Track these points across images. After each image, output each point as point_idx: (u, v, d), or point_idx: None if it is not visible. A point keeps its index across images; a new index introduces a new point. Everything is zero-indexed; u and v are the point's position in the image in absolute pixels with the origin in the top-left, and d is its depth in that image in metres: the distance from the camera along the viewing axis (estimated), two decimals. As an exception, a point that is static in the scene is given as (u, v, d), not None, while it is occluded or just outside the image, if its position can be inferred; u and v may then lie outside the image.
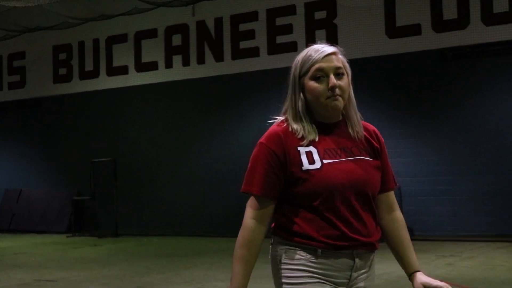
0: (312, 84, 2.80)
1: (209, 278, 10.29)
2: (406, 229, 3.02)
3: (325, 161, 2.76)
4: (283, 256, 2.82)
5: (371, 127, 3.00)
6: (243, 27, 18.41)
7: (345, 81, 2.82)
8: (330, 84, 2.76)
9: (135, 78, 20.13)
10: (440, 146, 15.68)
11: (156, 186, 19.33)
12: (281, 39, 17.71)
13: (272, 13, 17.95)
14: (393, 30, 16.29)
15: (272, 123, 2.91)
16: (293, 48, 17.24)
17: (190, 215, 18.64)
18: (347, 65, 2.87)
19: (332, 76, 2.77)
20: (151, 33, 19.85)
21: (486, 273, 10.14)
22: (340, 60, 2.83)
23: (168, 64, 19.59)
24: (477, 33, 15.30)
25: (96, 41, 20.91)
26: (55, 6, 18.31)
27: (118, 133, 20.14)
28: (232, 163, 17.69)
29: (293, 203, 2.79)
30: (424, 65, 15.98)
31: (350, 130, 2.88)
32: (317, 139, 2.80)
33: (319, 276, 2.76)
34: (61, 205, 20.42)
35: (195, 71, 19.09)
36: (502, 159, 15.05)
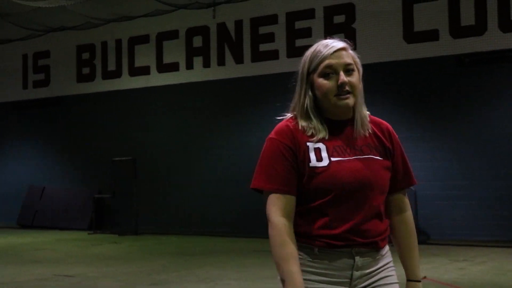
0: (321, 81, 2.72)
1: (223, 277, 10.52)
2: (414, 232, 2.93)
3: (333, 159, 2.69)
4: None
5: (385, 125, 2.91)
6: (263, 30, 18.64)
7: (356, 78, 2.73)
8: (340, 81, 2.68)
9: (156, 79, 20.43)
10: (456, 151, 15.78)
11: (175, 185, 19.61)
12: (300, 42, 17.88)
13: (292, 17, 18.16)
14: (411, 35, 16.43)
15: (281, 120, 2.85)
16: None
17: (207, 215, 18.89)
18: (358, 60, 2.78)
19: (341, 73, 2.69)
20: (173, 35, 20.14)
21: (497, 278, 10.26)
22: (350, 56, 2.75)
23: (189, 65, 19.87)
24: (494, 40, 15.39)
25: (118, 42, 21.24)
26: (78, 7, 18.66)
27: (139, 133, 20.45)
28: (250, 164, 17.79)
29: (298, 201, 2.72)
30: (441, 71, 16.09)
31: (360, 128, 2.79)
32: (327, 137, 2.73)
33: (316, 277, 2.70)
34: (82, 202, 20.79)
35: (215, 73, 19.35)
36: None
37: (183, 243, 16.46)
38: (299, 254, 2.69)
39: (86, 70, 21.94)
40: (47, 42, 22.26)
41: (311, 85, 2.77)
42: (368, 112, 2.85)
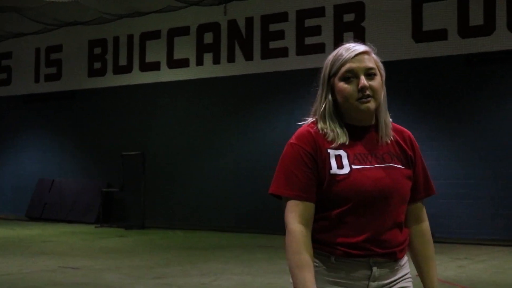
0: (342, 85, 2.66)
1: (225, 271, 10.63)
2: (431, 243, 2.88)
3: (354, 167, 2.64)
4: None
5: (407, 132, 2.86)
6: (273, 27, 18.74)
7: (377, 82, 2.67)
8: (360, 85, 2.63)
9: (166, 74, 20.58)
10: (462, 150, 15.82)
11: (183, 180, 19.76)
12: (309, 40, 17.99)
13: (302, 15, 18.25)
14: (419, 35, 16.48)
15: (302, 124, 2.79)
16: (321, 49, 17.56)
17: (214, 210, 19.03)
18: (380, 65, 2.72)
19: (362, 77, 2.64)
20: (184, 31, 20.28)
21: (495, 276, 10.33)
22: (373, 60, 2.69)
23: (199, 62, 20.01)
24: (502, 40, 15.44)
25: (130, 37, 21.42)
26: (91, 2, 18.81)
27: (148, 128, 20.61)
28: (258, 160, 18.04)
29: (317, 208, 2.67)
30: (449, 70, 16.13)
31: (381, 135, 2.74)
32: (347, 143, 2.67)
33: (332, 287, 2.66)
34: (91, 196, 20.98)
35: (225, 69, 19.47)
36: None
37: (188, 237, 16.60)
38: (315, 262, 2.66)
39: (97, 65, 22.13)
40: (60, 36, 22.47)
41: (332, 89, 2.71)
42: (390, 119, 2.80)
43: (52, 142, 22.82)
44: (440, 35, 16.19)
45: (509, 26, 15.45)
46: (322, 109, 2.72)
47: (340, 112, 2.71)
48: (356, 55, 2.66)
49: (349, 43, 2.73)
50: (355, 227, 2.62)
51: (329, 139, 2.67)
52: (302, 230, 2.61)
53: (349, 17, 17.57)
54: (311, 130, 2.71)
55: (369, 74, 2.65)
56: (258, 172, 17.90)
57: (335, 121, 2.69)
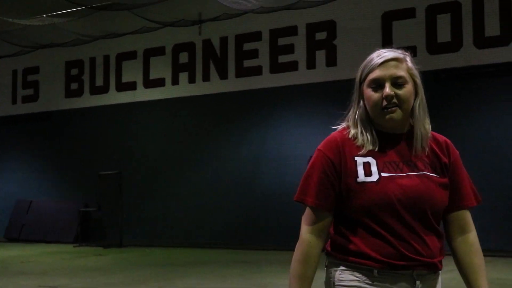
0: (368, 92, 2.61)
1: (201, 287, 10.82)
2: (480, 254, 2.74)
3: (383, 174, 2.56)
4: (337, 277, 2.62)
5: (443, 139, 2.76)
6: (247, 46, 19.05)
7: (405, 90, 2.58)
8: (384, 94, 2.55)
9: (143, 94, 20.80)
10: (433, 164, 16.16)
11: (160, 198, 19.93)
12: (283, 58, 18.31)
13: (275, 33, 18.58)
14: (389, 52, 16.82)
15: (335, 129, 2.74)
16: (295, 67, 17.90)
17: (192, 227, 19.20)
18: (414, 72, 2.66)
19: (387, 86, 2.57)
20: (159, 51, 20.54)
21: (461, 284, 10.56)
22: (404, 68, 2.62)
23: (175, 81, 20.26)
24: (469, 56, 15.88)
25: (106, 58, 21.63)
26: (68, 24, 19.00)
27: (125, 147, 20.79)
28: (234, 177, 18.26)
29: (348, 219, 2.61)
30: (419, 86, 16.48)
31: (415, 144, 2.64)
32: (376, 149, 2.60)
33: None
34: (69, 216, 21.05)
35: (200, 88, 19.73)
36: (494, 177, 15.48)
37: (166, 254, 16.74)
38: (356, 276, 2.60)
39: (74, 86, 22.30)
40: (37, 58, 22.61)
41: (362, 94, 2.66)
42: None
43: (30, 163, 22.90)
44: (409, 52, 16.53)
45: (476, 42, 15.89)
46: (354, 115, 2.68)
47: (370, 118, 2.66)
48: (384, 62, 2.61)
49: (386, 48, 2.70)
50: (393, 238, 2.54)
51: (358, 144, 2.62)
52: (310, 241, 2.59)
53: (321, 36, 17.93)
54: (339, 137, 2.67)
55: (397, 82, 2.59)
56: (233, 189, 18.14)
57: (367, 127, 2.64)
